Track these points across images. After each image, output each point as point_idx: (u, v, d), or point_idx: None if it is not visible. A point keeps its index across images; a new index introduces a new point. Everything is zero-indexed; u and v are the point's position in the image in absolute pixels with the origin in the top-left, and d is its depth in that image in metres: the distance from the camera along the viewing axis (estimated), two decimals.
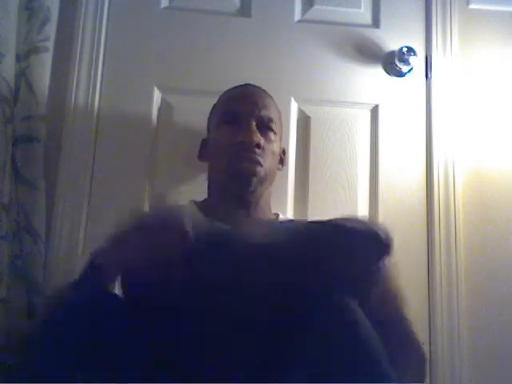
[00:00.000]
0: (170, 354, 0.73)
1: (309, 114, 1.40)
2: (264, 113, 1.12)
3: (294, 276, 0.71)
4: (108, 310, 0.71)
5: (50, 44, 1.25)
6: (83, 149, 1.31)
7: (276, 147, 1.14)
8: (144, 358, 0.71)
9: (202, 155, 1.23)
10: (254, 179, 1.08)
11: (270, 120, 1.13)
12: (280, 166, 1.20)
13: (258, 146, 1.08)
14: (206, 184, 1.19)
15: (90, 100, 1.34)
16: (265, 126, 1.12)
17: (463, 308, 1.31)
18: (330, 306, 0.70)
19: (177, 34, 1.41)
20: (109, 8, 1.40)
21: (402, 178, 1.38)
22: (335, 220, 0.76)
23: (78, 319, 0.68)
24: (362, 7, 1.47)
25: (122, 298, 0.77)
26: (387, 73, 1.43)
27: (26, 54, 1.19)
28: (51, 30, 1.25)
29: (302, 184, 1.36)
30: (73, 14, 1.36)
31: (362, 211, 1.36)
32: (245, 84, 1.18)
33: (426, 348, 1.27)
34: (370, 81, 1.43)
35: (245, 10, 1.44)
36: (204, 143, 1.22)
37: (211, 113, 1.21)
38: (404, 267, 1.32)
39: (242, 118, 1.11)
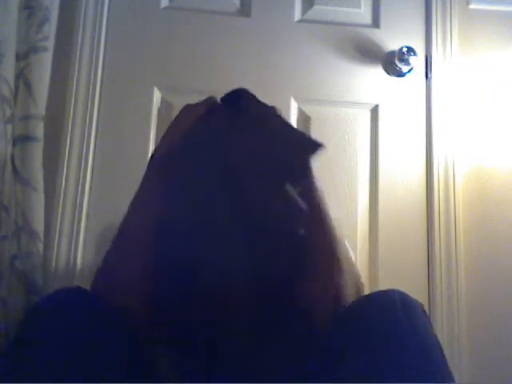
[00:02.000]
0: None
1: (309, 114, 1.40)
2: None
3: None
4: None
5: (50, 44, 1.25)
6: (83, 149, 1.31)
7: None
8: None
9: None
10: None
11: None
12: None
13: None
14: None
15: (89, 100, 1.34)
16: None
17: (463, 308, 1.31)
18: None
19: (177, 34, 1.41)
20: (109, 8, 1.40)
21: (402, 177, 1.38)
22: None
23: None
24: (362, 7, 1.47)
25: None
26: (387, 73, 1.43)
27: (25, 54, 1.18)
28: (50, 29, 1.25)
29: None
30: (72, 14, 1.36)
31: (362, 211, 1.36)
32: None
33: None
34: (370, 81, 1.43)
35: (245, 10, 1.44)
36: None
37: None
38: (404, 267, 1.32)
39: None
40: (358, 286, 0.79)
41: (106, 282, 0.77)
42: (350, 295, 0.76)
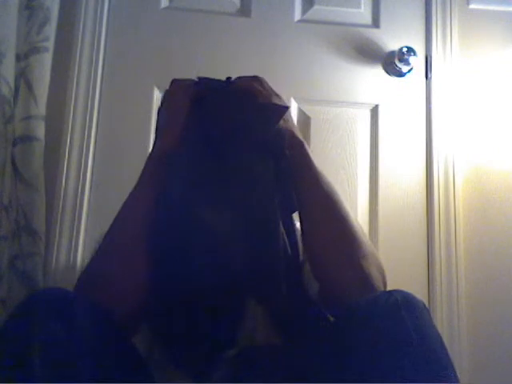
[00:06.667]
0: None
1: (309, 114, 1.40)
2: None
3: None
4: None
5: (50, 44, 1.25)
6: (83, 149, 1.31)
7: None
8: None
9: None
10: None
11: None
12: None
13: None
14: None
15: (89, 100, 1.34)
16: None
17: (463, 308, 1.31)
18: None
19: (177, 34, 1.41)
20: (109, 8, 1.40)
21: (401, 177, 1.38)
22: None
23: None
24: (362, 7, 1.47)
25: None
26: (387, 73, 1.43)
27: (25, 54, 1.18)
28: (51, 30, 1.25)
29: None
30: (73, 14, 1.36)
31: (362, 211, 1.36)
32: None
33: None
34: (370, 81, 1.43)
35: (245, 10, 1.44)
36: None
37: None
38: (404, 267, 1.32)
39: None
40: (382, 272, 0.78)
41: (95, 279, 0.77)
42: (376, 279, 0.76)
